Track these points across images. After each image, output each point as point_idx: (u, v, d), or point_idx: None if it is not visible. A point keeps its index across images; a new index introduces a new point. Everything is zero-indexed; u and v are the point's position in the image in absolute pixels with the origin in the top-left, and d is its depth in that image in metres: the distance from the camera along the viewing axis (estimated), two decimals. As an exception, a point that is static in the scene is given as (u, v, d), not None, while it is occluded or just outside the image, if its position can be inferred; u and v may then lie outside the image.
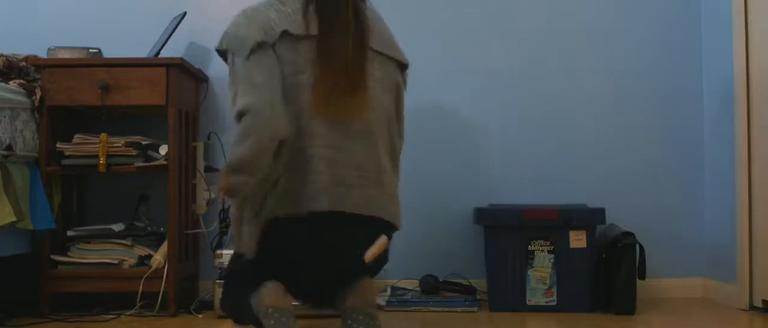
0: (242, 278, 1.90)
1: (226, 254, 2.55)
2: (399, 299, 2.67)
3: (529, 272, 2.59)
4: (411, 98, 2.97)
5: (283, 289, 1.79)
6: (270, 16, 1.79)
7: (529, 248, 2.59)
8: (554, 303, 2.58)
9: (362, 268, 1.90)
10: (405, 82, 2.02)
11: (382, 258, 1.94)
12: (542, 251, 2.59)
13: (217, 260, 2.56)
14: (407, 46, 2.96)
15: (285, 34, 1.78)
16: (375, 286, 2.00)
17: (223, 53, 1.85)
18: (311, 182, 1.75)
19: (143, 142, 2.63)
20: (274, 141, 1.72)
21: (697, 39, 2.97)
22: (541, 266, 2.59)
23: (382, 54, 1.91)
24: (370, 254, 1.84)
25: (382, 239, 1.85)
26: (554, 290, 2.58)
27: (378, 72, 1.88)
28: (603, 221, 2.58)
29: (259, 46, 1.75)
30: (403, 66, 1.99)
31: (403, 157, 2.93)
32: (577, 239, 2.58)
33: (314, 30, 1.80)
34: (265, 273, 1.83)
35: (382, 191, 1.84)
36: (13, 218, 2.36)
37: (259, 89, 1.72)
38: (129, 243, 2.64)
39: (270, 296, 1.75)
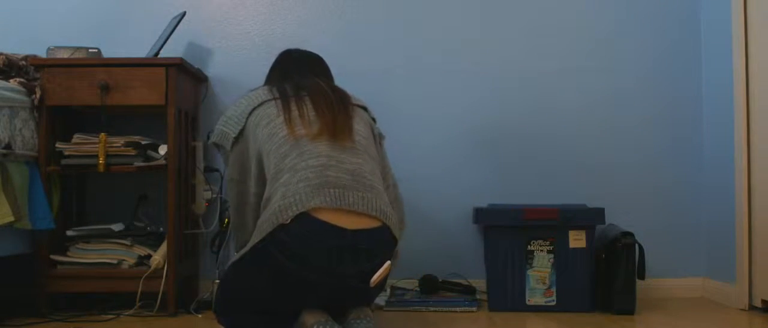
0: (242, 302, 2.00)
1: None
2: (399, 299, 2.67)
3: (529, 272, 2.59)
4: (411, 98, 2.98)
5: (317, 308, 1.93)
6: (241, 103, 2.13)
7: (529, 247, 2.59)
8: (554, 303, 2.58)
9: (365, 292, 1.94)
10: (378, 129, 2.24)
11: (383, 283, 1.98)
12: (542, 250, 2.59)
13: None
14: (410, 47, 2.99)
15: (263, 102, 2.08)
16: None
17: None
18: (306, 183, 1.87)
19: (142, 142, 2.63)
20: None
21: (697, 43, 2.97)
22: (541, 266, 2.59)
23: (357, 105, 2.16)
24: (376, 278, 1.89)
25: (387, 264, 1.91)
26: (554, 289, 2.58)
27: (356, 113, 2.11)
28: (602, 221, 2.58)
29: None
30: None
31: (403, 157, 2.94)
32: (577, 239, 2.58)
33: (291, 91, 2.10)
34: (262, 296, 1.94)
35: (378, 195, 1.92)
36: (12, 218, 2.35)
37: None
38: (128, 243, 2.64)
39: (310, 316, 1.88)
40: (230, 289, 2.00)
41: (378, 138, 2.20)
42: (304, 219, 1.83)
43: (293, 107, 2.03)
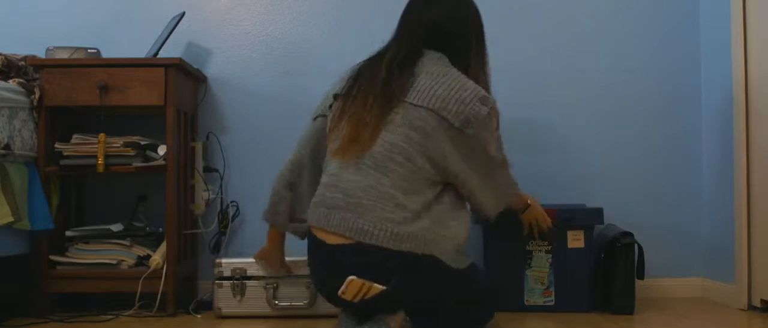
0: None
1: (226, 263, 2.54)
2: (397, 299, 2.67)
3: (527, 272, 2.59)
4: (410, 98, 2.98)
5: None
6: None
7: (527, 248, 2.59)
8: (552, 303, 2.58)
9: (356, 304, 1.95)
10: (454, 136, 1.95)
11: (382, 301, 1.93)
12: (540, 251, 2.59)
13: (217, 269, 2.55)
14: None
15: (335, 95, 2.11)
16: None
17: None
18: (313, 202, 2.04)
19: (142, 143, 2.63)
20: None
21: (696, 40, 2.97)
22: (539, 266, 2.59)
23: (418, 106, 1.93)
24: (341, 292, 1.92)
25: (349, 280, 1.89)
26: (552, 290, 2.58)
27: (399, 117, 1.93)
28: (601, 221, 2.58)
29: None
30: (449, 122, 1.94)
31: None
32: (575, 239, 2.58)
33: (345, 90, 2.07)
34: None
35: (361, 214, 1.89)
36: (11, 219, 2.36)
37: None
38: (127, 243, 2.64)
39: (341, 313, 2.07)
40: None
41: (449, 132, 1.94)
42: (309, 231, 2.04)
43: (336, 118, 2.06)
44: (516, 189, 2.29)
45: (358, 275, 1.89)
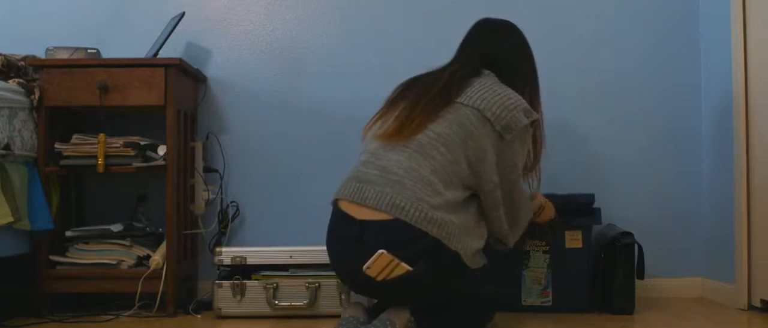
0: None
1: (226, 251, 2.55)
2: (397, 299, 2.67)
3: (525, 272, 2.59)
4: (409, 98, 2.98)
5: (360, 304, 2.12)
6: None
7: (525, 247, 2.58)
8: (550, 303, 2.58)
9: (374, 284, 1.94)
10: (495, 143, 2.03)
11: (400, 287, 1.93)
12: (538, 251, 2.58)
13: (217, 258, 2.56)
14: (411, 46, 2.99)
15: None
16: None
17: None
18: (346, 178, 2.07)
19: (142, 143, 2.63)
20: None
21: (696, 39, 2.96)
22: (537, 266, 2.58)
23: (465, 105, 2.03)
24: (367, 266, 1.90)
25: (379, 254, 1.89)
26: (550, 290, 2.58)
27: (448, 113, 2.03)
28: (599, 222, 2.57)
29: None
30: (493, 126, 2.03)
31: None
32: (573, 239, 2.57)
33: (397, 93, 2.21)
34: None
35: (400, 190, 1.93)
36: (11, 219, 2.36)
37: None
38: (127, 243, 2.64)
39: (348, 309, 2.09)
40: None
41: (491, 135, 2.01)
42: (334, 206, 2.06)
43: (385, 111, 2.15)
44: (532, 214, 2.32)
45: (387, 251, 1.90)
